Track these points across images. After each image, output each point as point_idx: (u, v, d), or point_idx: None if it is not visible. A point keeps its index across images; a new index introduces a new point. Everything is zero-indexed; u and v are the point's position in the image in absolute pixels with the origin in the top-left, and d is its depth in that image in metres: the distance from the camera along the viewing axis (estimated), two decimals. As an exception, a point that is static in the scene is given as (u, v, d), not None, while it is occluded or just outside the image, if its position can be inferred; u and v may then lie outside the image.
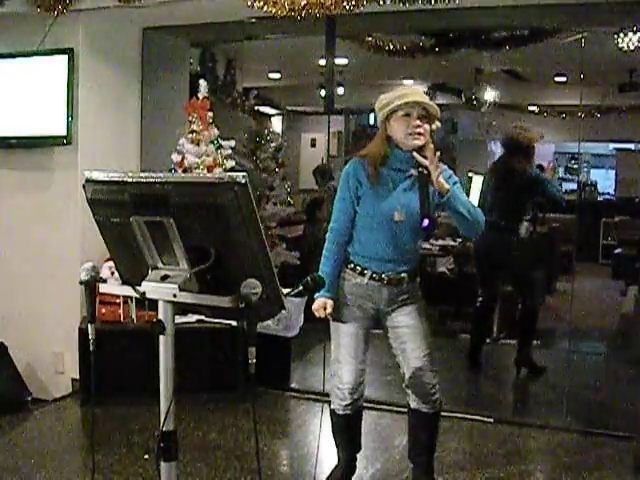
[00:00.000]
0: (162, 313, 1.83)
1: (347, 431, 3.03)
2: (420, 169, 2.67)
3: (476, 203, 5.10)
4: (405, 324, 2.87)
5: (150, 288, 1.80)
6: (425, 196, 2.64)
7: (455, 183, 2.79)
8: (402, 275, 2.84)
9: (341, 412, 2.96)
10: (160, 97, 4.86)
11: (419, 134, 2.70)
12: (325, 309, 2.83)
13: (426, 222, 2.62)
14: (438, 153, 2.67)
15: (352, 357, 2.88)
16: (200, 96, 4.54)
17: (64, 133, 4.22)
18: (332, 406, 2.98)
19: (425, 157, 2.67)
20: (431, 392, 2.87)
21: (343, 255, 2.87)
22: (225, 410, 4.10)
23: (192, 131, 4.50)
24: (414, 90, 2.80)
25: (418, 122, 2.70)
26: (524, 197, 4.92)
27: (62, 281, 4.32)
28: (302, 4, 3.71)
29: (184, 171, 4.43)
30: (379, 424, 3.93)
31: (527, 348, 4.90)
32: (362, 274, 2.84)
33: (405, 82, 8.37)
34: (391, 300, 2.86)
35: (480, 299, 5.03)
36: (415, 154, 2.69)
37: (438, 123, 2.79)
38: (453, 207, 2.69)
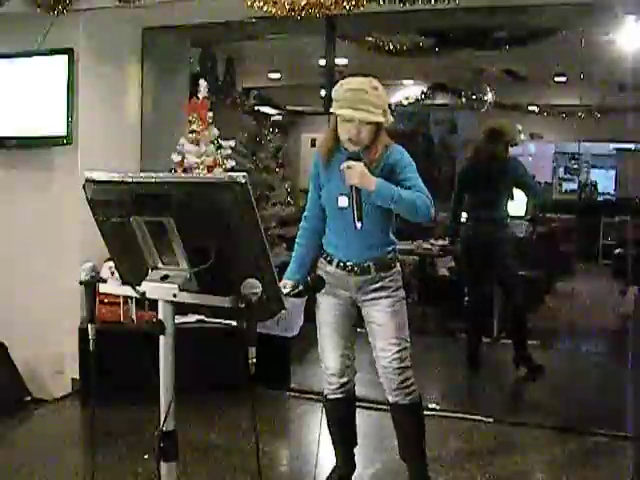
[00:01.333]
0: (162, 313, 1.84)
1: (340, 418, 3.05)
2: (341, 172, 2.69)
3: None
4: (376, 321, 2.87)
5: (150, 288, 1.80)
6: (353, 198, 2.65)
7: (406, 166, 2.76)
8: (367, 263, 2.83)
9: (332, 396, 3.00)
10: (160, 97, 4.86)
11: (359, 141, 2.72)
12: (285, 288, 2.84)
13: (359, 225, 2.67)
14: (361, 167, 2.63)
15: (333, 345, 2.94)
16: (200, 96, 4.54)
17: (64, 133, 4.22)
18: (324, 392, 3.04)
19: (358, 157, 2.67)
20: (402, 386, 2.86)
21: (315, 242, 2.95)
22: (225, 410, 4.10)
23: (192, 131, 4.50)
24: (360, 95, 2.69)
25: (356, 131, 2.71)
26: (506, 185, 4.83)
27: (62, 281, 4.31)
28: (302, 4, 3.71)
29: (184, 171, 4.43)
30: (379, 424, 3.92)
31: (523, 347, 4.89)
32: (330, 262, 2.89)
33: (405, 82, 8.38)
34: (359, 289, 2.87)
35: (467, 298, 5.03)
36: (341, 168, 2.67)
37: (390, 118, 2.77)
38: (382, 203, 2.67)
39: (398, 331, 2.86)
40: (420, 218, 2.74)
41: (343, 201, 2.77)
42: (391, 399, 2.92)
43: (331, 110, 2.77)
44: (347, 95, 2.71)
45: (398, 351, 2.84)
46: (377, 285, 2.86)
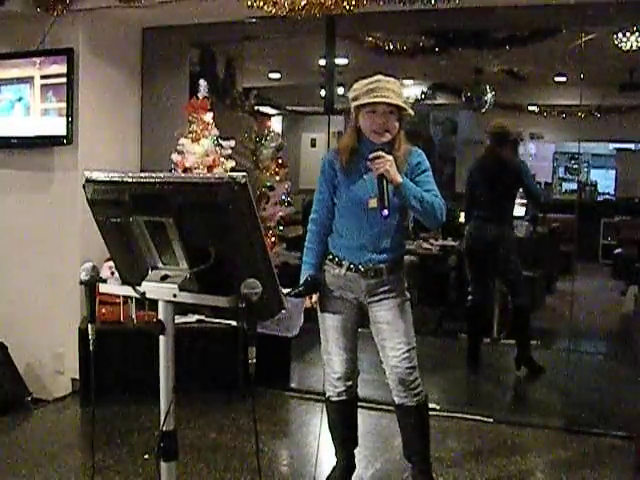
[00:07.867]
0: (162, 313, 1.84)
1: (343, 420, 3.04)
2: (370, 163, 2.70)
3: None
4: (385, 320, 2.86)
5: (150, 288, 1.80)
6: (383, 187, 2.67)
7: (425, 171, 2.82)
8: (380, 266, 2.83)
9: (335, 398, 2.98)
10: (160, 97, 4.86)
11: (385, 131, 2.74)
12: (311, 298, 2.91)
13: (385, 212, 2.66)
14: (391, 158, 2.67)
15: (340, 348, 2.92)
16: (200, 96, 4.54)
17: (64, 133, 4.22)
18: (327, 394, 3.01)
19: (385, 150, 2.68)
20: (411, 387, 2.86)
21: (325, 245, 2.91)
22: (225, 410, 4.10)
23: (192, 131, 4.50)
24: (382, 84, 2.74)
25: (382, 120, 2.73)
26: (513, 186, 4.87)
27: (62, 281, 4.32)
28: (302, 4, 3.71)
29: (184, 171, 4.43)
30: (379, 424, 3.92)
31: (525, 347, 4.89)
32: (340, 265, 2.86)
33: (405, 82, 8.38)
34: (370, 291, 2.86)
35: (470, 297, 5.03)
36: (370, 157, 2.68)
37: (410, 111, 2.79)
38: (405, 198, 2.71)
39: (406, 330, 2.86)
40: (434, 222, 2.80)
41: (373, 202, 2.75)
42: (398, 400, 2.91)
43: (354, 105, 2.76)
44: (369, 87, 2.74)
45: (408, 350, 2.84)
46: (386, 287, 2.86)
